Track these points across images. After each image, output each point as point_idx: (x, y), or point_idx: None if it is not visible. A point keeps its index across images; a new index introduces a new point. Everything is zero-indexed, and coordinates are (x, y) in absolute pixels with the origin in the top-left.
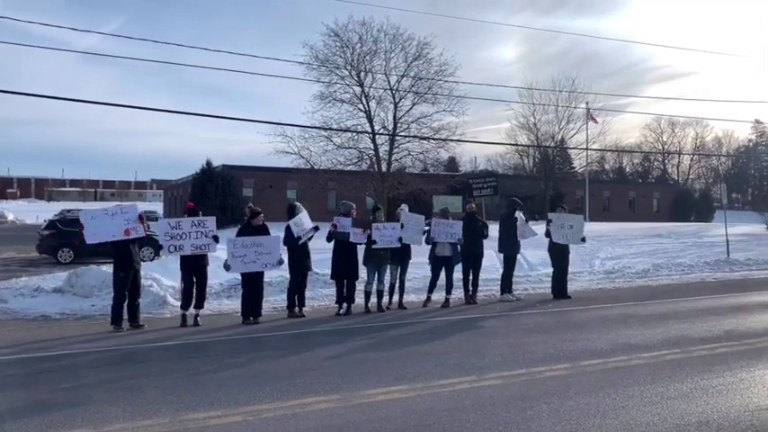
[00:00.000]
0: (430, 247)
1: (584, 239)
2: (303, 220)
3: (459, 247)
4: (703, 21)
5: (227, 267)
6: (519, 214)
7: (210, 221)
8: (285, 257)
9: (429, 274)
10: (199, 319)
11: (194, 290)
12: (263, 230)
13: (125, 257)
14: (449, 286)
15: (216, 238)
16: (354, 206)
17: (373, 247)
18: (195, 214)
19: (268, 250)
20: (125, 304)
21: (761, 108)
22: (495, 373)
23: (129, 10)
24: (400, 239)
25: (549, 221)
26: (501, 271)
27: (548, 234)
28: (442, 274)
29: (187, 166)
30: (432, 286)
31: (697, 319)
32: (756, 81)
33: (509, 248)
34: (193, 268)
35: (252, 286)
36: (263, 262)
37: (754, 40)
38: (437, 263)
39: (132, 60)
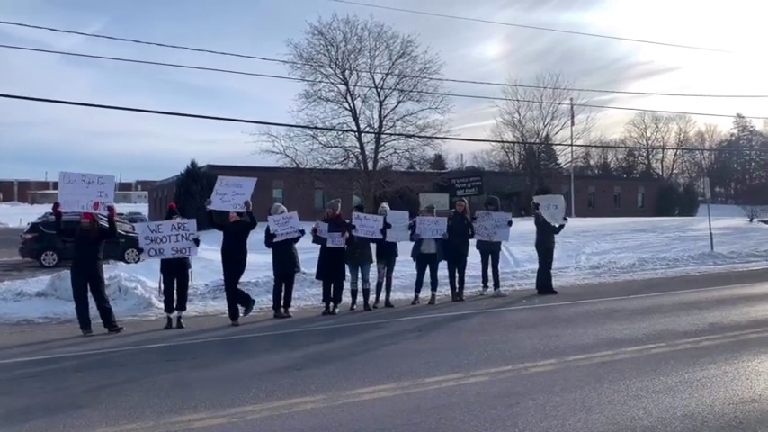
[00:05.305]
0: (413, 244)
1: (566, 219)
2: (291, 222)
3: (441, 243)
4: (685, 16)
5: (208, 203)
6: (481, 213)
7: (191, 224)
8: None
9: (415, 271)
10: (182, 320)
11: (175, 292)
12: (242, 226)
13: (81, 258)
14: (434, 284)
15: (197, 241)
16: (340, 201)
17: (353, 233)
18: (175, 214)
19: (243, 192)
20: (95, 308)
21: (743, 102)
22: (482, 370)
23: (110, 11)
24: (383, 232)
25: (537, 206)
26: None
27: (538, 220)
28: (428, 272)
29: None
30: (419, 284)
31: (681, 313)
32: (738, 76)
33: (483, 244)
34: (173, 270)
35: (230, 286)
36: (235, 202)
37: (736, 34)
38: (422, 260)
39: (114, 61)
